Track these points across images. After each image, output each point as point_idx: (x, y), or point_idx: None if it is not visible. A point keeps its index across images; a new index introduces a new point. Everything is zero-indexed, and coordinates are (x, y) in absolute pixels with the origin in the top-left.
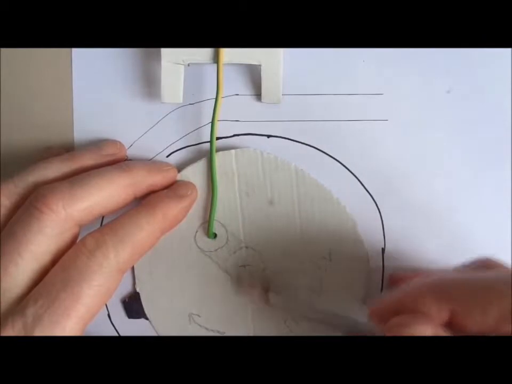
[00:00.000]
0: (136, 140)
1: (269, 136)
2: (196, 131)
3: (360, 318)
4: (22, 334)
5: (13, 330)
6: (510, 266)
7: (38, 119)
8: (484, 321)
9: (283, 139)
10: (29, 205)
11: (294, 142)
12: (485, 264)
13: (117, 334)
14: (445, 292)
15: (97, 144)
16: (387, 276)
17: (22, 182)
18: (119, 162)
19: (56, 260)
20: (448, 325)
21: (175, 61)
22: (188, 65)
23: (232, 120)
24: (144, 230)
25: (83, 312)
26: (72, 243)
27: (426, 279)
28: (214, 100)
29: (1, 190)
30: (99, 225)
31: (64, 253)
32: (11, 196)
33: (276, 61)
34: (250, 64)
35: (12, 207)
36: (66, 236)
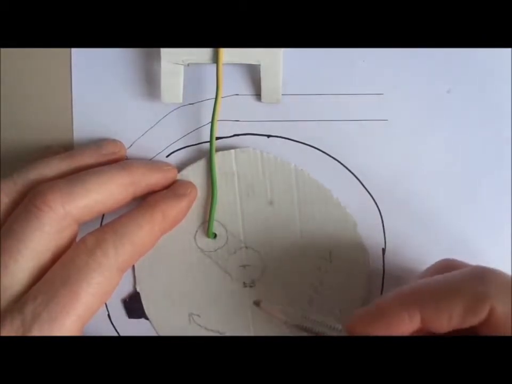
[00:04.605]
0: (136, 140)
1: (269, 136)
2: (195, 131)
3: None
4: (20, 331)
5: (11, 327)
6: (471, 265)
7: (38, 119)
8: (451, 319)
9: (283, 139)
10: (27, 202)
11: (294, 142)
12: (446, 266)
13: (117, 334)
14: (412, 299)
15: (97, 143)
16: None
17: (21, 179)
18: (119, 161)
19: (55, 257)
20: (421, 330)
21: (175, 61)
22: (188, 65)
23: (232, 120)
24: (144, 229)
25: (82, 311)
26: (71, 241)
27: (395, 290)
28: (214, 100)
29: (1, 188)
30: (99, 225)
31: (64, 251)
32: (10, 194)
33: (276, 61)
34: (250, 64)
35: (11, 205)
36: (65, 234)
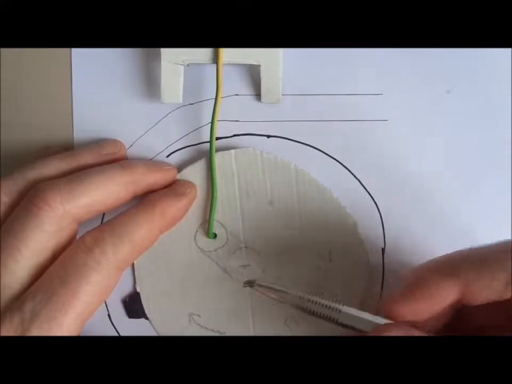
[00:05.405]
0: (136, 140)
1: (269, 136)
2: (195, 131)
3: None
4: (19, 329)
5: (11, 326)
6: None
7: (38, 119)
8: (492, 287)
9: (283, 139)
10: (27, 201)
11: (294, 142)
12: None
13: (117, 334)
14: (453, 266)
15: (97, 142)
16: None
17: (21, 179)
18: (118, 161)
19: (55, 256)
20: (459, 300)
21: (175, 61)
22: (188, 65)
23: (232, 120)
24: (143, 228)
25: (81, 309)
26: (70, 240)
27: (430, 260)
28: (214, 100)
29: (1, 188)
30: (99, 223)
31: (63, 250)
32: (10, 193)
33: (276, 61)
34: (250, 64)
35: (10, 204)
36: (64, 233)
